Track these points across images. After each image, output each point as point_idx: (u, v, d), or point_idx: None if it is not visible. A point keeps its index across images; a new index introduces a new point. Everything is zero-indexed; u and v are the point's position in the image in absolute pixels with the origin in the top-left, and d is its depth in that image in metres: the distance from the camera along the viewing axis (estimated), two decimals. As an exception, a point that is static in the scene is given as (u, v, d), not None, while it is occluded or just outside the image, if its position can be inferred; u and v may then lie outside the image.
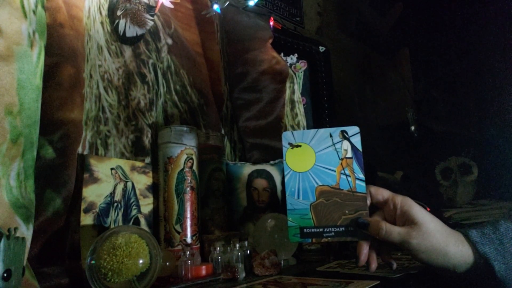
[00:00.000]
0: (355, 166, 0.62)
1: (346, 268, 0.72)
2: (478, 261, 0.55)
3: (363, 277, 0.61)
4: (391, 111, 1.80)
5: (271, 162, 1.04)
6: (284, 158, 0.64)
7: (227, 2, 1.00)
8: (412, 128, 1.55)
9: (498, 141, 1.27)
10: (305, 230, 0.61)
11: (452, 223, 1.08)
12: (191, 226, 0.80)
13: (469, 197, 1.22)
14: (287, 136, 0.65)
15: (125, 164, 0.79)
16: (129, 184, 0.79)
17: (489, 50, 1.43)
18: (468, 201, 1.22)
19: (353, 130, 0.63)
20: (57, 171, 0.68)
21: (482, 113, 1.47)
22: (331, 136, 0.64)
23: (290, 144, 0.64)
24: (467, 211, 1.14)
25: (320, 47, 1.49)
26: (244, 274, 0.68)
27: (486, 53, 1.45)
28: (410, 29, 1.77)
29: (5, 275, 0.43)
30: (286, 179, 0.63)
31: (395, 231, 0.56)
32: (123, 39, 0.87)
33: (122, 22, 0.87)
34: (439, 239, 0.55)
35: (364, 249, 0.59)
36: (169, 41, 0.97)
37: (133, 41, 0.89)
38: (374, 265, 0.59)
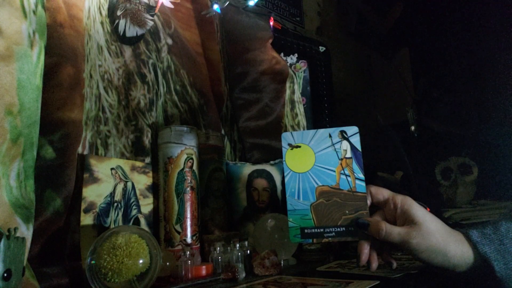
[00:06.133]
0: (355, 166, 0.62)
1: (346, 268, 0.72)
2: (478, 261, 0.55)
3: (363, 277, 0.61)
4: (391, 111, 1.80)
5: (271, 162, 1.04)
6: (283, 159, 0.64)
7: (227, 2, 1.00)
8: (412, 128, 1.55)
9: (498, 141, 1.27)
10: (305, 231, 0.61)
11: (452, 223, 1.08)
12: (191, 226, 0.80)
13: (469, 197, 1.22)
14: (286, 137, 0.65)
15: (125, 164, 0.79)
16: (129, 184, 0.79)
17: (489, 50, 1.43)
18: (468, 201, 1.22)
19: (352, 130, 0.63)
20: (57, 171, 0.68)
21: (482, 113, 1.47)
22: (330, 136, 0.64)
23: (289, 145, 0.64)
24: (467, 211, 1.14)
25: (320, 47, 1.49)
26: (244, 274, 0.68)
27: (486, 53, 1.45)
28: (410, 29, 1.77)
29: (5, 275, 0.43)
30: (286, 180, 0.63)
31: (395, 232, 0.56)
32: (123, 39, 0.87)
33: (122, 22, 0.87)
34: (439, 238, 0.55)
35: (365, 248, 0.59)
36: (169, 41, 0.97)
37: (133, 41, 0.89)
38: (375, 265, 0.59)
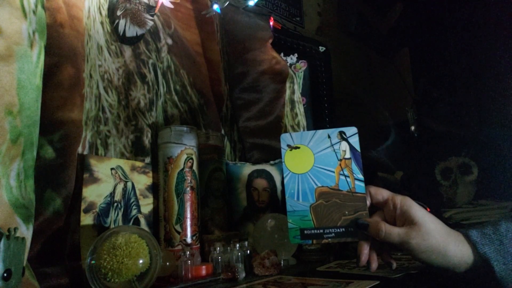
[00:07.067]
0: (354, 166, 0.62)
1: (346, 268, 0.72)
2: (478, 261, 0.55)
3: (363, 277, 0.61)
4: (391, 111, 1.80)
5: (271, 162, 1.04)
6: (283, 160, 0.64)
7: (227, 2, 1.00)
8: (412, 128, 1.55)
9: (498, 141, 1.27)
10: (305, 232, 0.61)
11: (452, 223, 1.08)
12: (191, 226, 0.80)
13: (469, 197, 1.22)
14: (285, 138, 0.65)
15: (125, 164, 0.79)
16: (129, 184, 0.79)
17: (489, 50, 1.43)
18: (468, 201, 1.22)
19: (351, 130, 0.63)
20: (57, 171, 0.68)
21: (482, 113, 1.47)
22: (329, 137, 0.64)
23: (288, 146, 0.64)
24: (467, 211, 1.14)
25: (320, 47, 1.49)
26: (244, 274, 0.68)
27: (486, 53, 1.45)
28: (410, 29, 1.77)
29: (5, 275, 0.43)
30: (285, 181, 0.63)
31: (395, 232, 0.56)
32: (123, 39, 0.87)
33: (122, 22, 0.87)
34: (439, 239, 0.55)
35: (365, 249, 0.59)
36: (169, 41, 0.97)
37: (133, 41, 0.89)
38: (374, 265, 0.59)
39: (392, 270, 0.62)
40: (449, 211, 1.13)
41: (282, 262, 0.76)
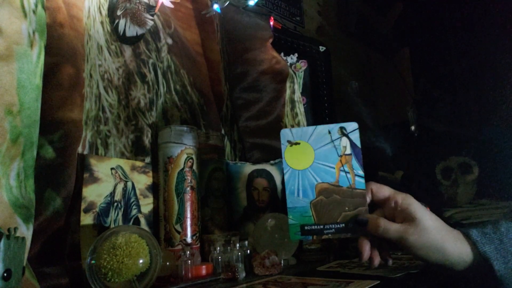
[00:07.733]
0: (354, 162, 0.62)
1: (347, 268, 0.72)
2: (478, 260, 0.55)
3: (363, 276, 0.61)
4: (391, 111, 1.80)
5: (271, 161, 1.04)
6: (283, 156, 0.64)
7: (227, 2, 1.00)
8: (412, 128, 1.55)
9: (499, 140, 1.27)
10: (305, 228, 0.61)
11: (453, 223, 1.08)
12: (191, 225, 0.80)
13: (470, 196, 1.22)
14: (285, 134, 0.64)
15: (125, 164, 0.79)
16: (129, 184, 0.79)
17: (489, 50, 1.43)
18: (469, 200, 1.22)
19: (351, 126, 0.63)
20: (57, 171, 0.68)
21: (482, 112, 1.47)
22: (329, 133, 0.63)
23: (288, 142, 0.64)
24: (468, 211, 1.14)
25: (320, 47, 1.49)
26: (244, 274, 0.68)
27: (486, 53, 1.45)
28: (410, 29, 1.77)
29: (5, 275, 0.43)
30: (285, 177, 0.63)
31: (393, 228, 0.56)
32: (123, 39, 0.87)
33: (122, 22, 0.87)
34: (437, 236, 0.55)
35: (366, 245, 0.59)
36: (169, 40, 0.97)
37: (133, 41, 0.89)
38: (377, 261, 0.59)
39: (392, 270, 0.62)
40: (450, 210, 1.13)
41: (282, 262, 0.76)
